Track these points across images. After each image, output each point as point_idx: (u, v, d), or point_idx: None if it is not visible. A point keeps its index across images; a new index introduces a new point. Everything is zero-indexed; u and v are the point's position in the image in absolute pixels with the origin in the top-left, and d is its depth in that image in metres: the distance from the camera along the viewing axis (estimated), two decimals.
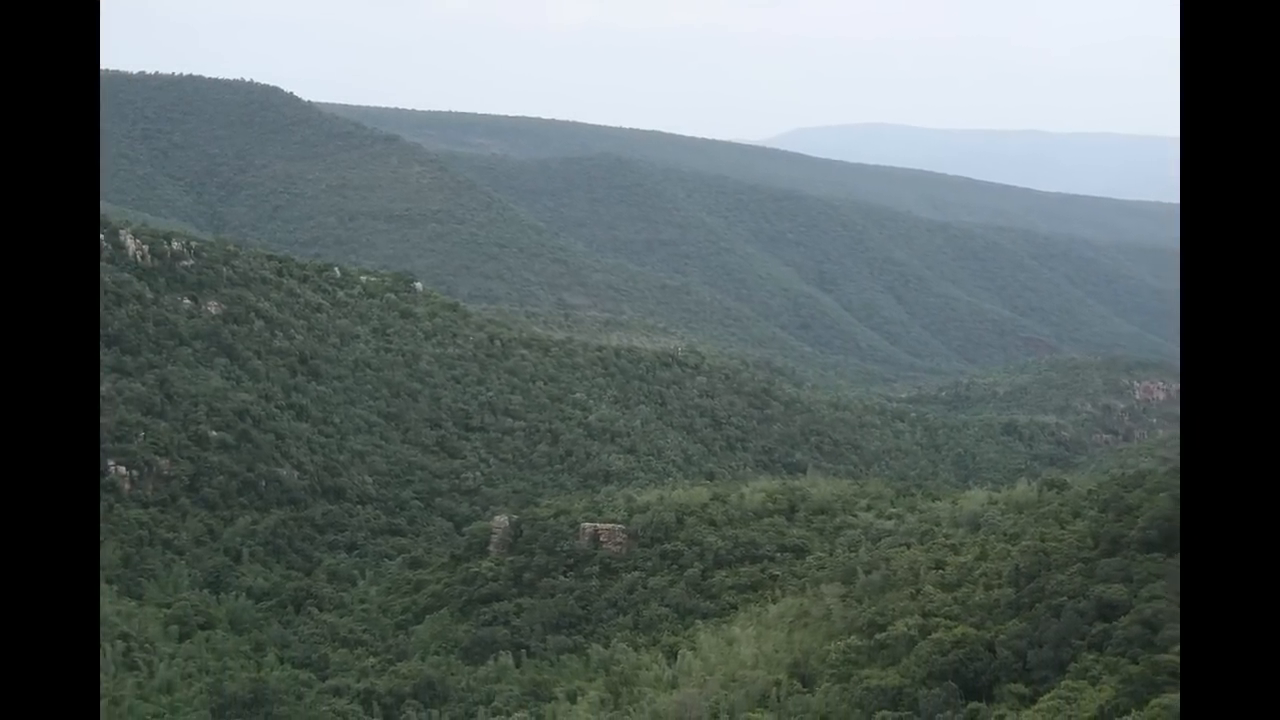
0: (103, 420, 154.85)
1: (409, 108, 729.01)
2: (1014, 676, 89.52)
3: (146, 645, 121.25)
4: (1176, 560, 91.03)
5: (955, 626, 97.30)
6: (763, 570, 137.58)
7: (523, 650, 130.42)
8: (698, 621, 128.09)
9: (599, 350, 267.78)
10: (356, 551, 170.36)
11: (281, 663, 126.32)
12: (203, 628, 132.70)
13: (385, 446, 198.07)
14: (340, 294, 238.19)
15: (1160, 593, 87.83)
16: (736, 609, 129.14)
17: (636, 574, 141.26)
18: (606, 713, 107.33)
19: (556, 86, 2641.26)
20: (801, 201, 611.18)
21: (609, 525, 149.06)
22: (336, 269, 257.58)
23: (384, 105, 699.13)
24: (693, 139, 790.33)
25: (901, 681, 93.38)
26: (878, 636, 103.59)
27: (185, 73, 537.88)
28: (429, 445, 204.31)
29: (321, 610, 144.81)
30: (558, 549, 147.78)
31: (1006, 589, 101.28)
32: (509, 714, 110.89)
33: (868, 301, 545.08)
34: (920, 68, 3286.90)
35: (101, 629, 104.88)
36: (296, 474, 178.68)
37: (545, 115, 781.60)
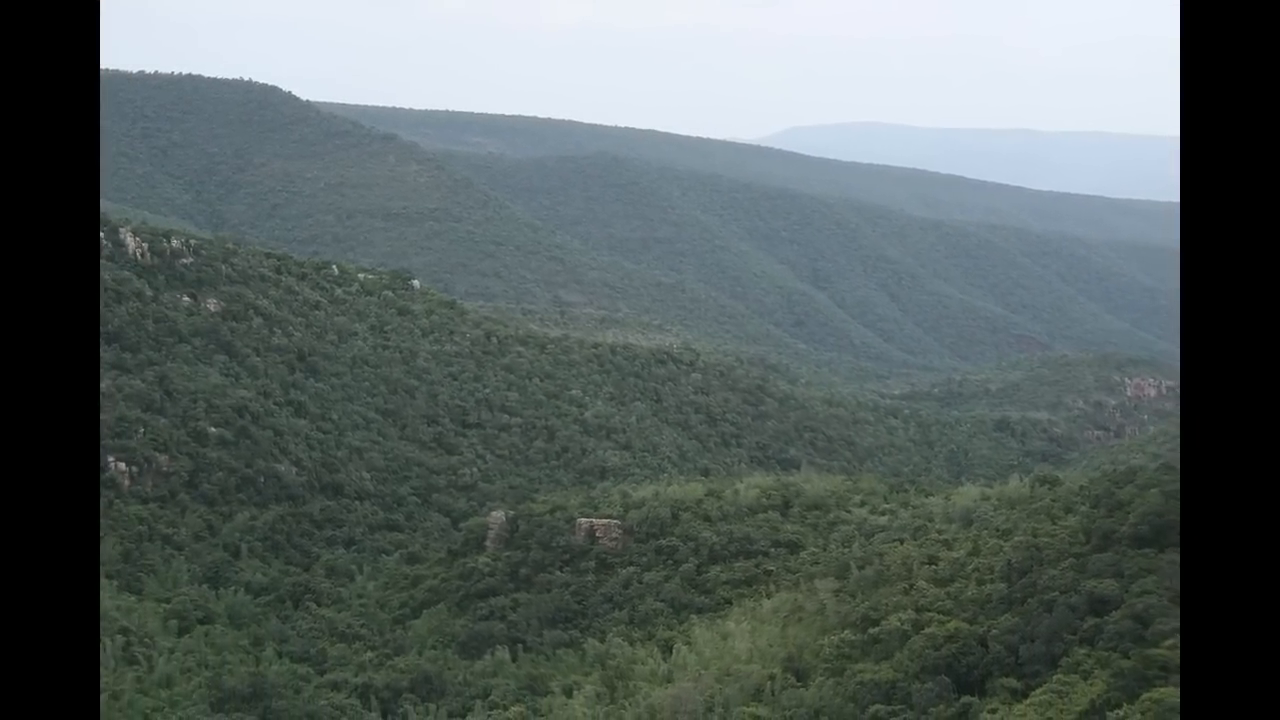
0: (103, 417, 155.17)
1: (406, 107, 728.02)
2: (1006, 671, 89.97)
3: (146, 640, 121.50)
4: (1167, 556, 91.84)
5: (948, 621, 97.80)
6: (757, 565, 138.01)
7: (519, 645, 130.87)
8: (693, 616, 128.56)
9: (595, 347, 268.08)
10: (354, 547, 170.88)
11: (280, 657, 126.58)
12: (202, 622, 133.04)
13: (383, 443, 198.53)
14: (338, 291, 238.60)
15: (1151, 588, 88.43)
16: (731, 604, 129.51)
17: (632, 569, 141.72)
18: (602, 707, 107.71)
19: (552, 86, 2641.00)
20: (795, 200, 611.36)
21: (605, 521, 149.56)
22: (334, 267, 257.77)
23: (381, 104, 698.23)
24: (687, 138, 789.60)
25: (895, 676, 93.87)
26: (871, 631, 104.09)
27: (184, 72, 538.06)
28: (426, 441, 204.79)
29: (319, 605, 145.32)
30: (554, 544, 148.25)
31: (999, 584, 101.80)
32: (505, 708, 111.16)
33: (861, 299, 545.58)
34: (913, 67, 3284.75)
35: (101, 624, 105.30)
36: (295, 470, 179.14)
37: (541, 114, 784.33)
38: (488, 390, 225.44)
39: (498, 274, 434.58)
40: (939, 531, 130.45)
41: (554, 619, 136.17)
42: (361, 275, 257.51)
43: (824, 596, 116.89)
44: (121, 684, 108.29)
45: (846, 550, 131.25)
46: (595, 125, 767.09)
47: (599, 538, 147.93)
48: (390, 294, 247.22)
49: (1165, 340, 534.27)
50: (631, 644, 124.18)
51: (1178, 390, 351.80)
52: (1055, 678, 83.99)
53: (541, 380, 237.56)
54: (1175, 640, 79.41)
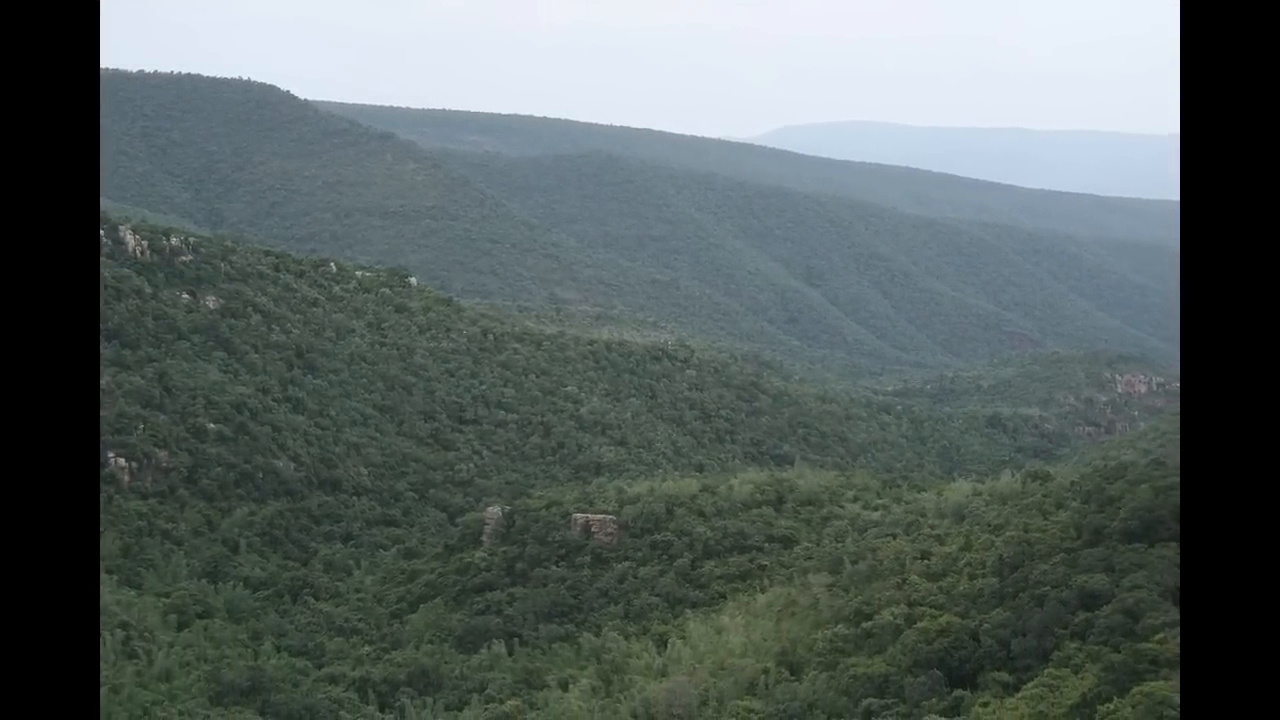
0: (103, 413, 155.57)
1: (404, 106, 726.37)
2: (998, 665, 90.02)
3: (146, 634, 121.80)
4: (1157, 551, 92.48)
5: (940, 615, 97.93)
6: (751, 560, 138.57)
7: (515, 639, 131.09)
8: (687, 611, 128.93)
9: (590, 344, 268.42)
10: (352, 542, 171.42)
11: (278, 651, 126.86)
12: (201, 617, 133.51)
13: (380, 439, 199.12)
14: (336, 289, 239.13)
15: (1142, 582, 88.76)
16: (725, 598, 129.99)
17: (627, 564, 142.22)
18: (597, 700, 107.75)
19: (548, 85, 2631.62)
20: (789, 198, 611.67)
21: (600, 516, 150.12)
22: (332, 264, 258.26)
23: (379, 103, 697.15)
24: (681, 136, 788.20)
25: (887, 669, 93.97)
26: (864, 625, 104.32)
27: (184, 71, 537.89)
28: (423, 438, 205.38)
29: (318, 599, 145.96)
30: (549, 539, 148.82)
31: (990, 579, 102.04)
32: (502, 702, 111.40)
33: (854, 296, 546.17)
34: (905, 66, 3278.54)
35: (101, 618, 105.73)
36: (293, 466, 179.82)
37: (537, 113, 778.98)
38: (484, 387, 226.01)
39: (494, 271, 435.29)
40: (931, 527, 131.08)
41: (550, 613, 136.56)
42: (359, 273, 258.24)
43: (817, 591, 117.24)
44: (121, 678, 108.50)
45: (840, 545, 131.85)
46: (590, 124, 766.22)
47: (594, 533, 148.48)
48: (387, 291, 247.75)
49: (1156, 337, 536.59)
50: (627, 638, 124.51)
51: (1167, 387, 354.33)
52: (1046, 671, 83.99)
53: (537, 377, 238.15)
54: (1165, 634, 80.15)
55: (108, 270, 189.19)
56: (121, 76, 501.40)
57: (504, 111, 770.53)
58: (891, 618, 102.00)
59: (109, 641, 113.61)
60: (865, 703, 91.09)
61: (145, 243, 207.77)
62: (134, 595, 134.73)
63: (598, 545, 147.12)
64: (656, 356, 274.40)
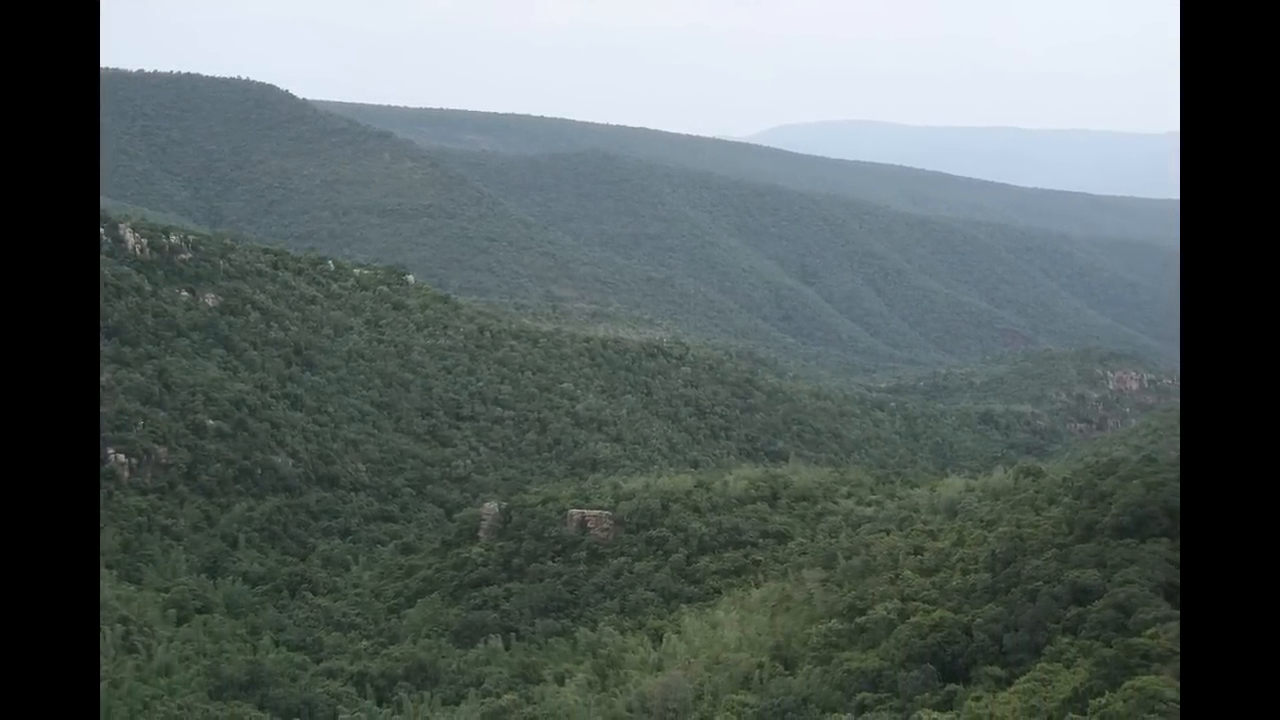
0: (102, 410, 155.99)
1: (401, 105, 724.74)
2: (990, 659, 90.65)
3: (145, 629, 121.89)
4: (1149, 546, 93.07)
5: (933, 610, 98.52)
6: (746, 556, 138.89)
7: (512, 634, 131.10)
8: (682, 606, 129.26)
9: (586, 341, 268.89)
10: (350, 537, 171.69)
11: (277, 646, 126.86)
12: (200, 612, 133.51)
13: (378, 435, 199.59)
14: (334, 286, 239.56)
15: (1133, 577, 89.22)
16: (720, 593, 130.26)
17: (623, 559, 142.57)
18: (593, 694, 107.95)
19: (544, 84, 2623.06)
20: (783, 196, 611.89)
21: (596, 512, 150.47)
22: (330, 262, 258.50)
23: (377, 103, 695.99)
24: (677, 135, 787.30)
25: (881, 664, 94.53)
26: (858, 620, 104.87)
27: (183, 71, 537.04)
28: (420, 434, 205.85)
29: (316, 595, 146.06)
30: (546, 535, 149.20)
31: (983, 574, 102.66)
32: (498, 696, 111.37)
33: (848, 294, 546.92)
34: (899, 66, 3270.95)
35: (101, 613, 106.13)
36: (291, 462, 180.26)
37: (534, 112, 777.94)
38: (481, 384, 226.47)
39: (491, 269, 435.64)
40: (924, 522, 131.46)
41: (546, 608, 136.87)
42: (357, 270, 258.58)
43: (811, 586, 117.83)
44: (121, 672, 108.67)
45: (834, 541, 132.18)
46: (587, 123, 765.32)
47: (590, 528, 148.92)
48: (385, 289, 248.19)
49: (1147, 334, 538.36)
50: (622, 633, 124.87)
51: (1159, 383, 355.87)
52: (1039, 666, 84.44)
53: (534, 374, 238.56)
54: (1156, 629, 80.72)
55: (108, 268, 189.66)
56: (121, 76, 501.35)
57: (501, 111, 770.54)
58: (885, 612, 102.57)
59: (109, 636, 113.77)
60: (859, 697, 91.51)
61: (145, 241, 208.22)
62: (134, 590, 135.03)
63: (594, 541, 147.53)
64: (652, 354, 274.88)
